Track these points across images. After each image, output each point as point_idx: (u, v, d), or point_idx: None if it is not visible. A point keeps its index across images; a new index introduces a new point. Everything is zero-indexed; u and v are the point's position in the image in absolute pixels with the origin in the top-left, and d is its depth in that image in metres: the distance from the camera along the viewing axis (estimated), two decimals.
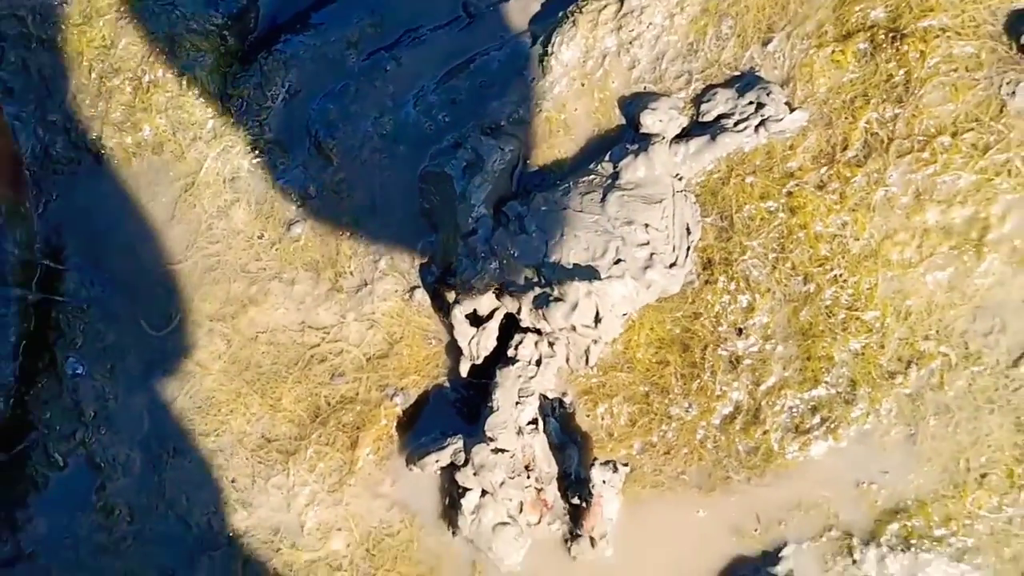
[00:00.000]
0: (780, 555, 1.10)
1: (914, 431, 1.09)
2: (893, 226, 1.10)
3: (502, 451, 1.09)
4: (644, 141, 1.10)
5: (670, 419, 1.12)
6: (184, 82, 1.14)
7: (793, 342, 1.10)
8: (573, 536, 1.12)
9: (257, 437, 1.16)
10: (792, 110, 1.11)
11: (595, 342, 1.07)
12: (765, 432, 1.10)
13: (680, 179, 1.10)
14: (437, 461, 1.12)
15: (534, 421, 1.11)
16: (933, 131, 1.10)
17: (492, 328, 1.12)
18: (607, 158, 1.10)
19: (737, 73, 1.14)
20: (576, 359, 1.08)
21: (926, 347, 1.09)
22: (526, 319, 1.08)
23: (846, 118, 1.11)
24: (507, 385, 1.10)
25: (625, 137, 1.13)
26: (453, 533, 1.13)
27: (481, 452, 1.09)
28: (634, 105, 1.13)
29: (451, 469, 1.13)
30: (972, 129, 1.10)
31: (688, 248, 1.08)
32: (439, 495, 1.15)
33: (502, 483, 1.10)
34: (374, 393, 1.16)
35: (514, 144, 1.13)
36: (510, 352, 1.11)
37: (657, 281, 1.06)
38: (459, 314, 1.10)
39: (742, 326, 1.11)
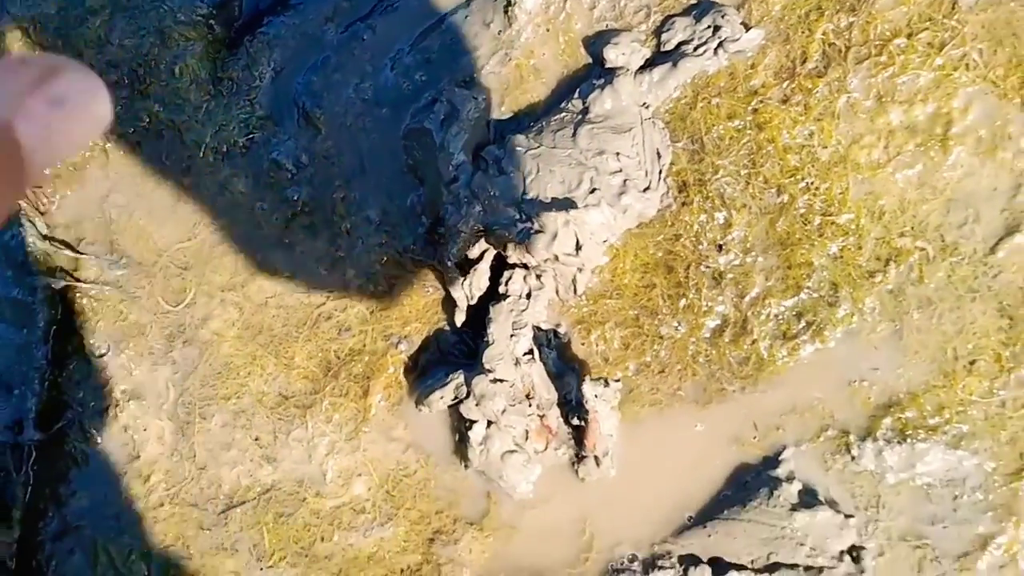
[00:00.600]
0: (780, 458, 1.14)
1: (899, 326, 1.13)
2: (859, 130, 1.13)
3: (501, 381, 1.14)
4: (609, 75, 1.15)
5: (661, 339, 1.17)
6: (177, 71, 1.21)
7: (772, 252, 1.14)
8: (579, 458, 1.16)
9: (275, 395, 1.22)
10: (748, 29, 1.15)
11: (580, 270, 1.12)
12: (754, 341, 1.14)
13: (647, 107, 1.14)
14: (442, 398, 1.17)
15: (530, 351, 1.16)
16: (888, 35, 1.13)
17: (483, 269, 1.17)
18: (576, 95, 1.15)
19: (694, 1, 1.18)
20: (564, 289, 1.13)
21: (903, 243, 1.12)
22: (512, 255, 1.13)
23: (803, 32, 1.15)
24: (500, 319, 1.15)
25: (592, 74, 1.17)
26: (465, 466, 1.18)
27: (481, 383, 1.14)
28: (597, 43, 1.18)
29: (457, 405, 1.19)
30: (926, 28, 1.13)
31: (660, 172, 1.13)
32: (449, 433, 1.20)
33: (504, 411, 1.15)
34: (380, 343, 1.22)
35: (487, 93, 1.18)
36: (501, 289, 1.16)
37: (632, 205, 1.11)
38: (449, 261, 1.16)
39: (721, 242, 1.15)
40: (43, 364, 1.26)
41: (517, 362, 1.14)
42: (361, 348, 1.22)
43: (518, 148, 1.15)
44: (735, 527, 1.10)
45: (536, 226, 1.10)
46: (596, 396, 1.08)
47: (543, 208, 1.10)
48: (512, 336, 1.15)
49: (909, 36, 1.11)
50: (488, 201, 1.13)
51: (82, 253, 1.28)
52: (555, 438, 1.15)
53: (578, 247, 1.09)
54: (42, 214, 1.27)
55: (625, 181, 1.11)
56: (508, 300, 1.16)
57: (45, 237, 1.26)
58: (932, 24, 1.11)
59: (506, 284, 1.16)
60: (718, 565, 1.11)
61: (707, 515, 1.14)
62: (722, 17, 1.14)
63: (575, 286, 1.11)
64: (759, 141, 1.12)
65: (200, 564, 1.22)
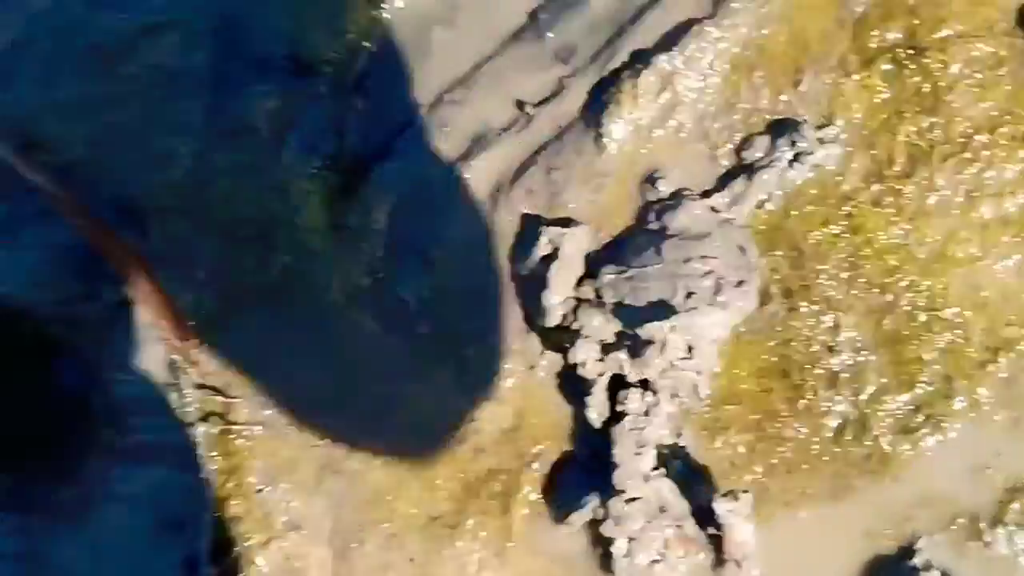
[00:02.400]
0: (915, 548, 1.19)
1: (1017, 413, 1.17)
2: (952, 226, 1.19)
3: (634, 499, 1.21)
4: (677, 197, 1.22)
5: (785, 440, 1.23)
6: (299, 222, 1.31)
7: (884, 350, 1.20)
8: (720, 562, 1.23)
9: (424, 517, 1.31)
10: (823, 143, 1.21)
11: (698, 373, 1.19)
12: (875, 438, 1.20)
13: (729, 220, 1.21)
14: (581, 518, 1.25)
15: (657, 467, 1.24)
16: (970, 131, 1.19)
17: (599, 392, 1.25)
18: (652, 216, 1.23)
19: (777, 117, 1.25)
20: (689, 395, 1.20)
21: (1009, 333, 1.17)
22: (630, 373, 1.20)
23: (886, 136, 1.21)
24: (623, 440, 1.23)
25: (662, 196, 1.25)
26: None
27: (616, 505, 1.21)
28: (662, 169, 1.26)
29: (596, 523, 1.26)
30: (1008, 123, 1.18)
31: (750, 263, 1.19)
32: (591, 546, 1.28)
33: (642, 527, 1.22)
34: (514, 462, 1.30)
35: (582, 225, 1.27)
36: (618, 408, 1.24)
37: (731, 301, 1.17)
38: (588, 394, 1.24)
39: (832, 344, 1.21)
40: (209, 504, 1.37)
41: (646, 478, 1.22)
42: (498, 468, 1.31)
43: (610, 275, 1.22)
44: None
45: (643, 337, 1.17)
46: (729, 511, 1.15)
47: (646, 320, 1.17)
48: (637, 454, 1.22)
49: (991, 131, 1.16)
50: (594, 331, 1.21)
51: (233, 397, 1.39)
52: (694, 544, 1.22)
53: (690, 350, 1.15)
54: (193, 364, 1.39)
55: (718, 280, 1.18)
56: (628, 419, 1.22)
57: (199, 386, 1.38)
58: (1012, 118, 1.16)
59: (623, 403, 1.23)
60: None
61: None
62: (799, 133, 1.20)
63: (697, 390, 1.18)
64: (856, 244, 1.18)
65: None
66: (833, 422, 1.20)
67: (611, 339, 1.19)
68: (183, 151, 1.42)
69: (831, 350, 1.19)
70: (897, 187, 1.20)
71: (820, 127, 1.22)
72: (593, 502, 1.23)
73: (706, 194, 1.24)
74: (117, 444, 1.42)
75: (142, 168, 1.43)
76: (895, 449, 1.18)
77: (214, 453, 1.37)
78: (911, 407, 1.18)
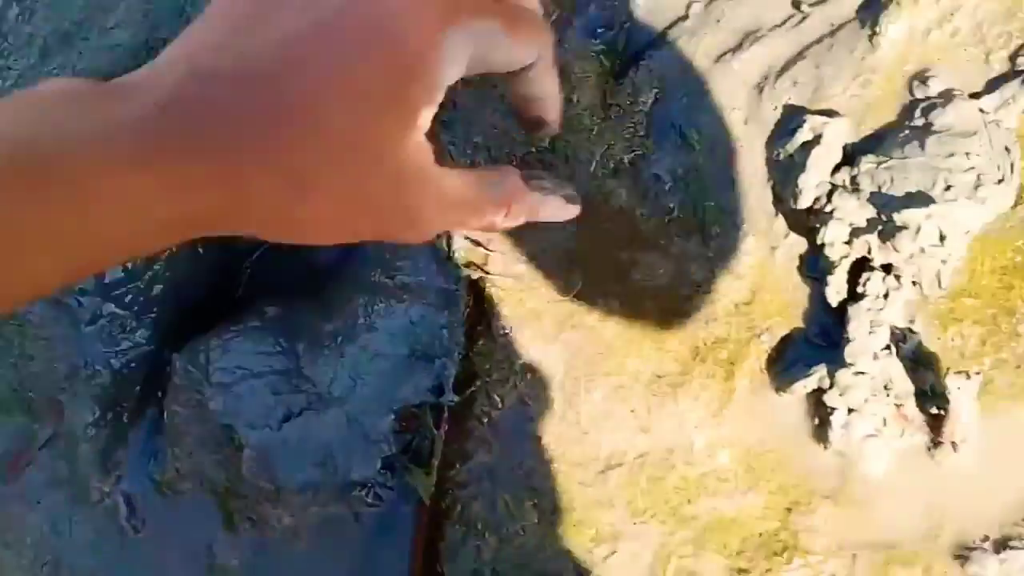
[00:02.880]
0: None
1: None
2: None
3: (862, 373, 1.28)
4: (946, 96, 1.27)
5: (1019, 336, 1.26)
6: (575, 98, 1.45)
7: None
8: (935, 444, 1.27)
9: (650, 374, 1.43)
10: None
11: (944, 262, 1.24)
12: None
13: (985, 113, 1.25)
14: (805, 386, 1.33)
15: (888, 347, 1.29)
16: None
17: (842, 274, 1.32)
18: (918, 113, 1.27)
19: None
20: (929, 284, 1.25)
21: None
22: (876, 256, 1.27)
23: None
24: (860, 318, 1.29)
25: (930, 94, 1.29)
26: (824, 447, 1.33)
27: (844, 375, 1.28)
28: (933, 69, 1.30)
29: (817, 393, 1.33)
30: None
31: (1012, 164, 1.23)
32: (807, 417, 1.35)
33: (865, 400, 1.28)
34: (744, 333, 1.39)
35: (845, 117, 1.33)
36: (859, 289, 1.30)
37: (989, 197, 1.21)
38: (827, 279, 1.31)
39: None
40: (460, 340, 1.54)
41: (876, 356, 1.28)
42: (727, 337, 1.40)
43: (869, 164, 1.28)
44: None
45: (899, 223, 1.23)
46: (959, 388, 1.19)
47: (904, 206, 1.23)
48: (871, 333, 1.28)
49: None
50: (848, 216, 1.27)
51: (491, 250, 1.56)
52: (910, 424, 1.27)
53: (942, 238, 1.20)
54: None
55: (979, 175, 1.21)
56: (866, 300, 1.29)
57: (464, 236, 1.55)
58: None
59: (864, 285, 1.30)
60: None
61: None
62: None
63: (939, 279, 1.23)
64: None
65: (582, 516, 1.44)
66: None
67: (862, 224, 1.26)
68: None
69: None
70: None
71: None
72: (820, 372, 1.30)
73: (975, 96, 1.28)
74: (383, 283, 1.60)
75: None
76: None
77: (469, 298, 1.54)
78: None
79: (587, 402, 1.45)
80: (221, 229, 0.47)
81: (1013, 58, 1.25)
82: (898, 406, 1.24)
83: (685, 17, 1.48)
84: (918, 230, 1.19)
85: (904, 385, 1.24)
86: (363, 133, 0.47)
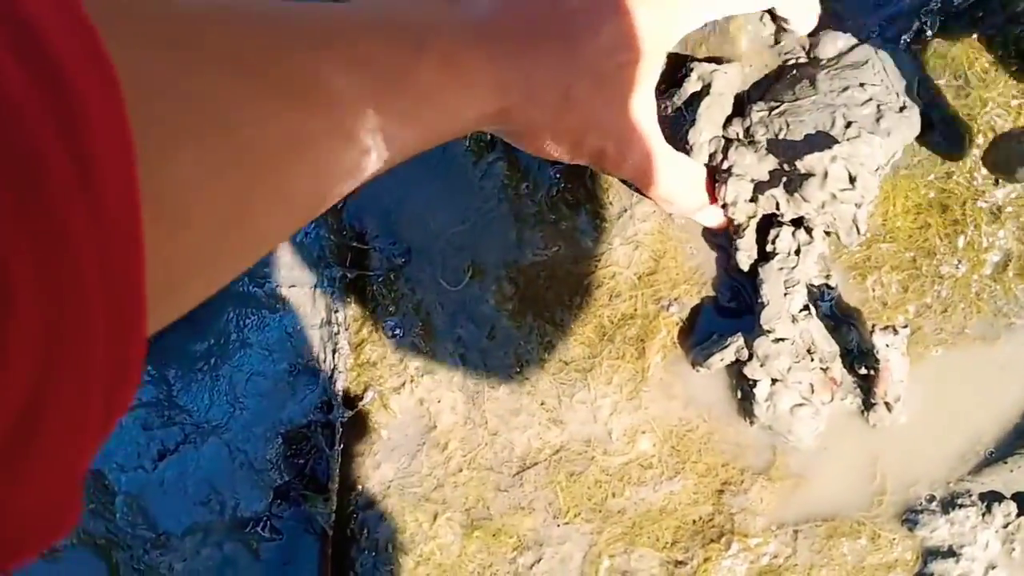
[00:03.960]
0: None
1: None
2: None
3: (782, 340, 1.17)
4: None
5: (941, 278, 1.17)
6: None
7: None
8: (868, 405, 1.18)
9: (556, 362, 1.30)
10: None
11: (858, 206, 1.13)
12: None
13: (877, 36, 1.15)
14: (722, 360, 1.21)
15: (806, 307, 1.19)
16: None
17: (751, 234, 1.20)
18: (799, 47, 1.17)
19: None
20: (847, 231, 1.14)
21: None
22: (786, 210, 1.15)
23: None
24: (772, 279, 1.18)
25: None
26: (751, 423, 1.22)
27: (763, 344, 1.17)
28: None
29: (737, 365, 1.22)
30: None
31: (910, 90, 1.13)
32: (727, 389, 1.24)
33: (788, 368, 1.18)
34: (651, 306, 1.28)
35: (735, 64, 1.21)
36: (768, 248, 1.19)
37: (894, 127, 1.11)
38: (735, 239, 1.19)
39: (997, 176, 1.14)
40: (345, 349, 1.38)
41: (794, 319, 1.17)
42: (633, 312, 1.28)
43: (761, 112, 1.17)
44: None
45: (803, 171, 1.12)
46: (887, 345, 1.09)
47: (806, 152, 1.12)
48: (786, 294, 1.17)
49: None
50: (746, 170, 1.16)
51: (367, 246, 1.40)
52: (839, 388, 1.17)
53: (852, 180, 1.10)
54: (331, 211, 1.40)
55: (879, 106, 1.11)
56: (777, 258, 1.18)
57: (335, 232, 1.39)
58: None
59: (773, 242, 1.18)
60: (1023, 499, 1.11)
61: (1007, 450, 1.13)
62: None
63: (857, 225, 1.12)
64: None
65: (501, 524, 1.31)
66: (995, 257, 1.14)
67: (764, 177, 1.14)
68: None
69: (996, 182, 1.12)
70: None
71: None
72: (737, 342, 1.19)
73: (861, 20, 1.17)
74: (253, 293, 1.44)
75: None
76: None
77: (349, 299, 1.38)
78: None
79: (492, 399, 1.32)
80: (503, 124, 0.64)
81: None
82: (824, 370, 1.14)
83: None
84: (825, 175, 1.08)
85: (828, 347, 1.14)
86: (626, 61, 0.63)
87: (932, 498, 1.17)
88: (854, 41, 1.17)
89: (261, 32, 0.43)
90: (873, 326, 1.13)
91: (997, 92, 1.13)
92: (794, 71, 1.20)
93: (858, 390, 1.18)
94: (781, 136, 1.16)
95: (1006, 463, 1.13)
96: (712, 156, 1.20)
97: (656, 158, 0.76)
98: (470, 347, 1.37)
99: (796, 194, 1.13)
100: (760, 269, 1.20)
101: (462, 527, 1.36)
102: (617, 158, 0.70)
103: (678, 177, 0.77)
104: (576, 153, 0.68)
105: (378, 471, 1.41)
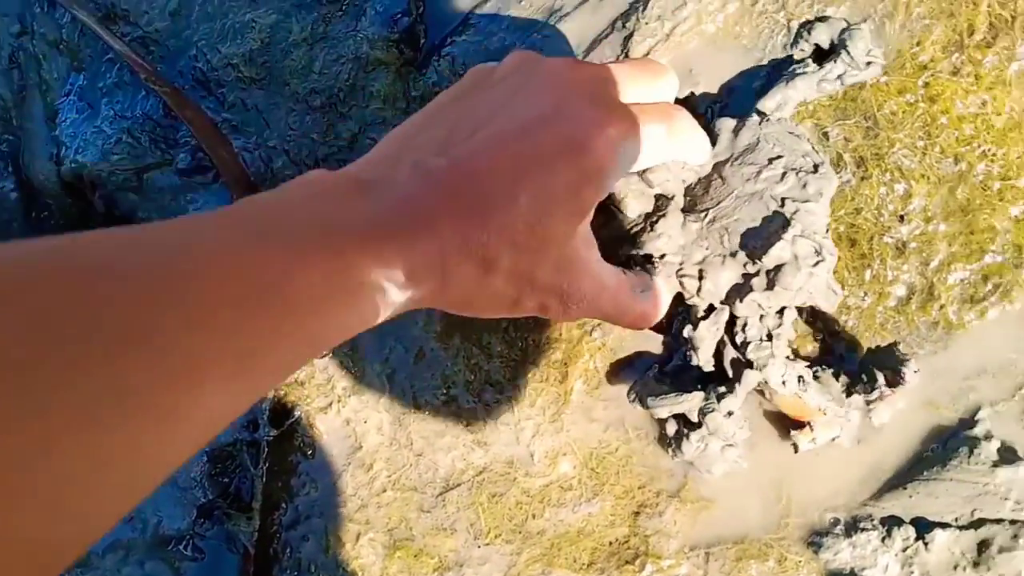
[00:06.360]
0: (976, 419, 1.18)
1: None
2: None
3: (731, 414, 1.17)
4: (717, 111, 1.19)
5: (848, 308, 1.22)
6: (375, 90, 1.33)
7: (955, 219, 1.18)
8: (798, 426, 1.19)
9: (481, 384, 1.33)
10: (868, 64, 1.17)
11: (828, 271, 1.11)
12: (942, 307, 1.18)
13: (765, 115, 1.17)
14: (669, 412, 1.20)
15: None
16: None
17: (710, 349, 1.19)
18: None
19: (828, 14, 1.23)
20: (825, 298, 1.12)
21: None
22: (771, 307, 1.12)
23: (968, 7, 1.19)
24: (745, 378, 1.16)
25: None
26: (674, 456, 1.23)
27: (715, 419, 1.17)
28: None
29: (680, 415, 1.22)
30: None
31: (810, 149, 1.16)
32: (649, 416, 1.27)
33: (733, 433, 1.18)
34: (575, 331, 1.31)
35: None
36: (738, 339, 1.15)
37: (819, 186, 1.12)
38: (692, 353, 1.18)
39: (903, 213, 1.20)
40: None
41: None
42: (558, 336, 1.31)
43: (696, 225, 1.12)
44: (936, 487, 1.15)
45: (772, 265, 1.11)
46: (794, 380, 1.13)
47: (763, 247, 1.09)
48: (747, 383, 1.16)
49: None
50: (715, 284, 1.12)
51: None
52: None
53: (817, 251, 1.10)
54: None
55: (796, 174, 1.13)
56: (750, 348, 1.16)
57: None
58: None
59: (743, 332, 1.15)
60: (921, 524, 1.15)
61: (907, 477, 1.18)
62: (848, 38, 1.17)
63: (833, 288, 1.13)
64: (932, 113, 1.17)
65: (422, 544, 1.33)
66: (899, 291, 1.19)
67: (738, 281, 1.13)
68: (261, 22, 1.44)
69: (902, 219, 1.18)
70: (977, 56, 1.18)
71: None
72: (692, 403, 1.16)
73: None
74: None
75: (220, 39, 1.45)
76: (961, 318, 1.16)
77: None
78: (980, 276, 1.16)
79: (418, 420, 1.34)
80: (427, 306, 0.63)
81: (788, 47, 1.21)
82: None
83: (486, 0, 1.38)
84: (795, 257, 1.09)
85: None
86: (545, 225, 0.60)
87: (836, 521, 1.21)
88: (735, 123, 1.17)
89: (91, 288, 0.38)
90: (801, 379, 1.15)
91: (904, 133, 1.19)
92: (700, 178, 1.18)
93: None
94: (727, 244, 1.13)
95: (905, 488, 1.18)
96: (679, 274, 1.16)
97: (604, 300, 0.69)
98: (398, 368, 1.39)
99: (775, 288, 1.10)
100: (727, 363, 1.17)
101: (384, 548, 1.37)
102: (561, 309, 0.68)
103: (633, 308, 0.75)
104: (518, 311, 0.66)
105: (303, 491, 1.42)
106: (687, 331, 1.17)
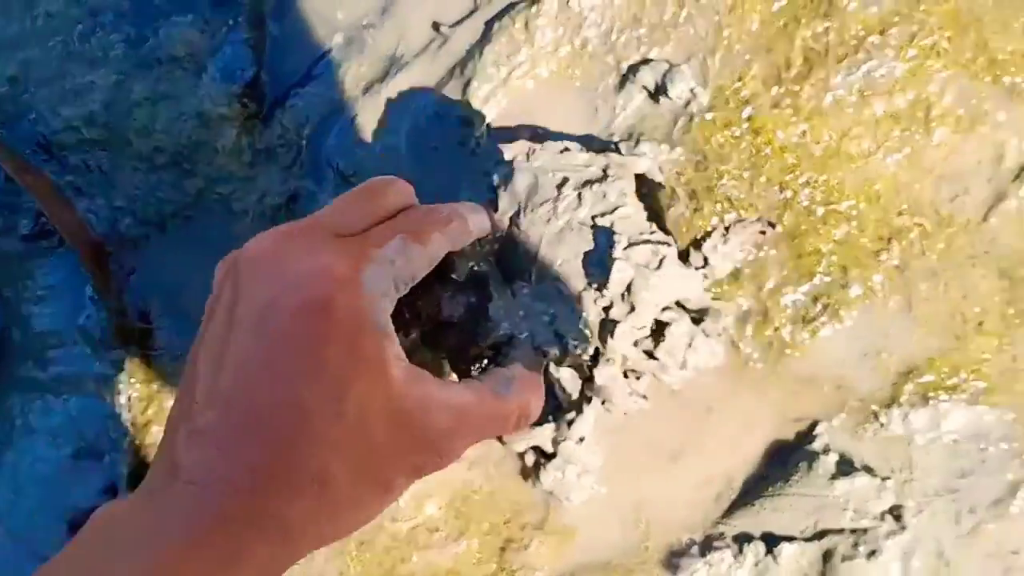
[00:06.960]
0: (814, 434, 1.23)
1: (909, 298, 1.22)
2: (847, 124, 1.23)
3: (583, 440, 1.20)
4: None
5: None
6: (219, 145, 1.33)
7: (783, 245, 1.24)
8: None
9: None
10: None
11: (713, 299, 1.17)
12: (776, 329, 1.24)
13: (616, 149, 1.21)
14: (527, 443, 1.23)
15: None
16: (863, 34, 1.24)
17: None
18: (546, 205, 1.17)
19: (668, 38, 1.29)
20: (685, 285, 1.17)
21: (901, 222, 1.22)
22: (637, 324, 1.14)
23: (784, 42, 1.26)
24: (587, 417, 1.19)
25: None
26: (534, 486, 1.26)
27: (568, 447, 1.20)
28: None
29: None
30: (896, 24, 1.23)
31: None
32: (511, 452, 1.30)
33: (586, 458, 1.22)
34: None
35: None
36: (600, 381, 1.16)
37: (620, 185, 1.15)
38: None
39: None
40: (128, 431, 1.37)
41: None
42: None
43: (528, 293, 1.11)
44: (781, 502, 1.19)
45: (620, 289, 1.12)
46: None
47: (605, 273, 1.11)
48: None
49: (881, 32, 1.21)
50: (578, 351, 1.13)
51: (151, 325, 1.40)
52: None
53: (655, 249, 1.12)
54: (111, 293, 1.39)
55: (590, 186, 1.14)
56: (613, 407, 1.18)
57: (117, 313, 1.38)
58: (901, 19, 1.21)
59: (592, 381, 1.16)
60: (770, 539, 1.20)
61: (755, 494, 1.22)
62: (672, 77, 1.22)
63: (720, 314, 1.17)
64: (757, 144, 1.23)
65: None
66: (734, 316, 1.24)
67: (600, 317, 1.15)
68: (101, 83, 1.42)
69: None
70: (795, 89, 1.24)
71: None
72: (547, 434, 1.21)
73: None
74: (36, 377, 1.41)
75: (60, 102, 1.43)
76: (794, 338, 1.21)
77: (133, 380, 1.37)
78: (810, 298, 1.22)
79: None
80: (319, 547, 0.58)
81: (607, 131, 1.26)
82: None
83: (328, 51, 1.39)
84: (637, 266, 1.12)
85: None
86: (351, 414, 0.54)
87: (692, 542, 1.25)
88: (503, 171, 1.17)
89: None
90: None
91: (732, 165, 1.25)
92: (504, 244, 1.13)
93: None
94: (568, 292, 1.10)
95: (753, 506, 1.22)
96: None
97: (473, 422, 0.66)
98: None
99: (637, 309, 1.13)
100: (582, 415, 1.19)
101: None
102: (437, 460, 0.65)
103: (507, 408, 0.67)
104: (399, 491, 0.64)
105: None
106: (551, 370, 1.19)
